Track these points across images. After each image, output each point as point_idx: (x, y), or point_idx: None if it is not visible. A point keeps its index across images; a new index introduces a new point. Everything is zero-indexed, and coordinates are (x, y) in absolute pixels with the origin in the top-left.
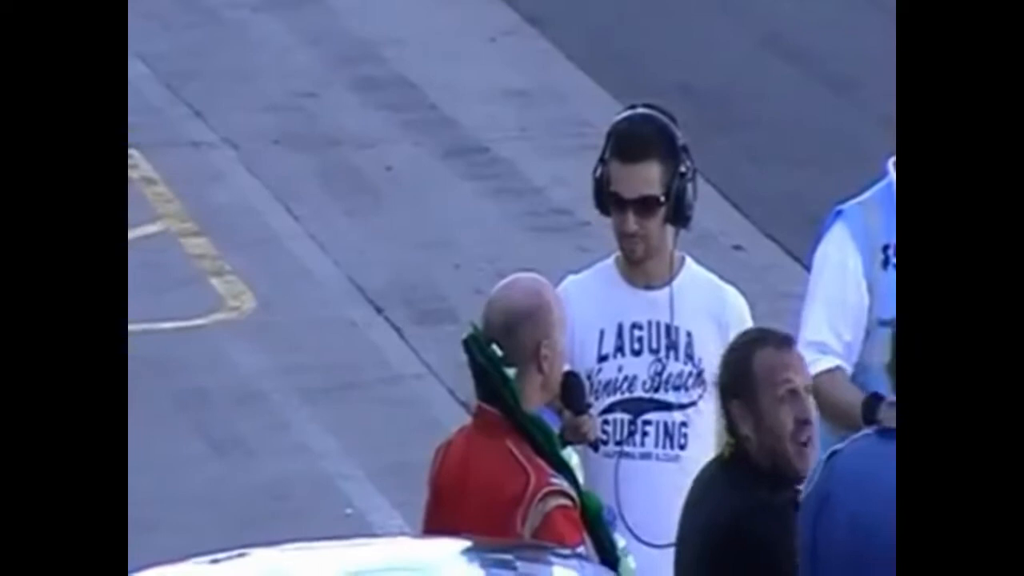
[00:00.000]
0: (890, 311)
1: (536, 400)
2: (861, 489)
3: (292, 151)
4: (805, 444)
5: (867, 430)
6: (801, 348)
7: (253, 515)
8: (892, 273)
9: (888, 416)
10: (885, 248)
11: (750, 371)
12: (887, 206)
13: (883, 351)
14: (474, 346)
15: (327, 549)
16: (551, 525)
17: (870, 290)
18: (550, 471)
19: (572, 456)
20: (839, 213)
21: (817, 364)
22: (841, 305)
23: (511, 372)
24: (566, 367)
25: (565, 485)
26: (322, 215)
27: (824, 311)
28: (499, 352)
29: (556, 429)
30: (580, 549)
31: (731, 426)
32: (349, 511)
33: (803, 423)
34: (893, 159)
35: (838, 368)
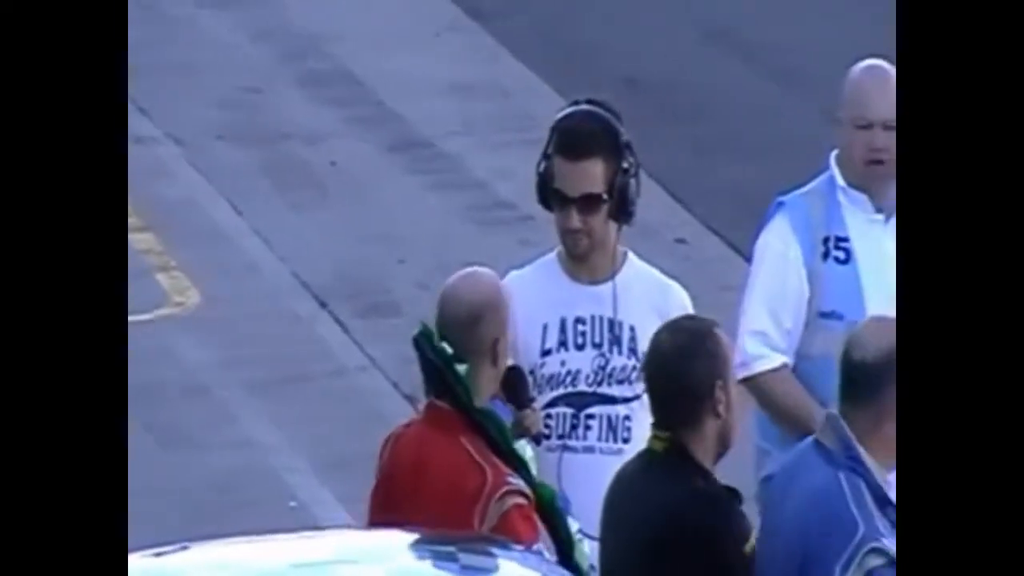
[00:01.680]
0: (830, 303)
1: (487, 393)
2: (777, 499)
3: (237, 146)
4: None
5: (806, 441)
6: (744, 337)
7: (198, 508)
8: (832, 265)
9: (823, 428)
10: (826, 240)
11: (725, 354)
12: (829, 198)
13: (824, 342)
14: (425, 343)
15: (272, 542)
16: (508, 524)
17: (810, 281)
18: (507, 470)
19: (526, 449)
20: (781, 204)
21: (763, 361)
22: (782, 294)
23: (462, 368)
24: (509, 361)
25: (521, 484)
26: (267, 210)
27: (765, 300)
28: (449, 349)
29: (508, 422)
30: (536, 547)
31: (682, 418)
32: (293, 504)
33: None
34: (836, 152)
35: (784, 366)
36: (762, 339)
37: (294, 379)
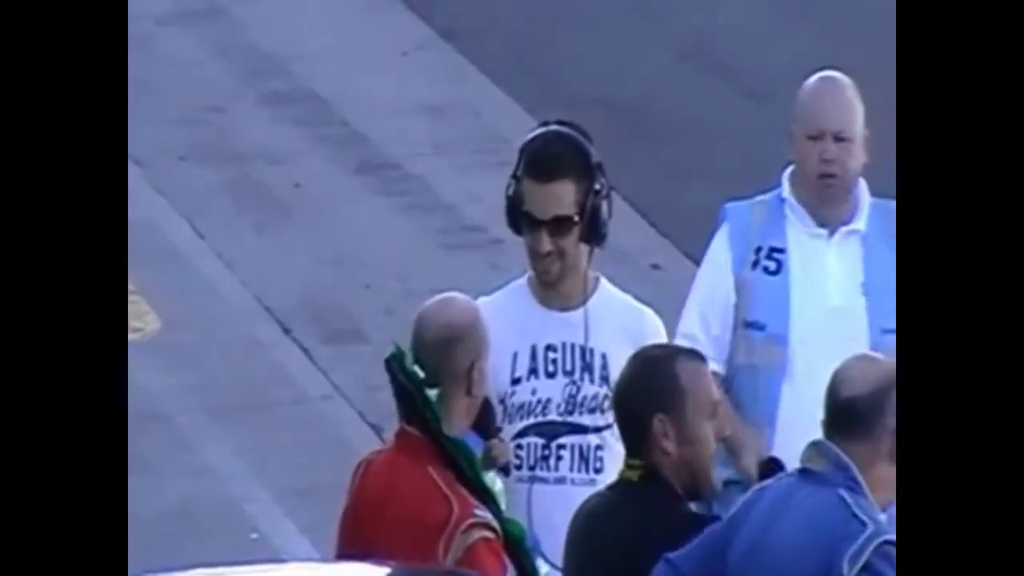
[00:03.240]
0: (754, 313)
1: (460, 423)
2: (760, 526)
3: (198, 167)
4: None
5: (791, 471)
6: (676, 340)
7: (155, 539)
8: (760, 275)
9: (809, 456)
10: (758, 249)
11: (677, 384)
12: (773, 211)
13: (746, 352)
14: (396, 365)
15: (232, 574)
16: (474, 558)
17: (738, 289)
18: (474, 502)
19: (496, 482)
20: (725, 210)
21: None
22: (711, 300)
23: (433, 393)
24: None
25: (488, 517)
26: (229, 233)
27: (698, 305)
28: (421, 373)
29: (479, 452)
30: None
31: (642, 446)
32: (255, 535)
33: (722, 441)
34: (791, 168)
35: (712, 374)
36: (691, 340)
37: (256, 406)
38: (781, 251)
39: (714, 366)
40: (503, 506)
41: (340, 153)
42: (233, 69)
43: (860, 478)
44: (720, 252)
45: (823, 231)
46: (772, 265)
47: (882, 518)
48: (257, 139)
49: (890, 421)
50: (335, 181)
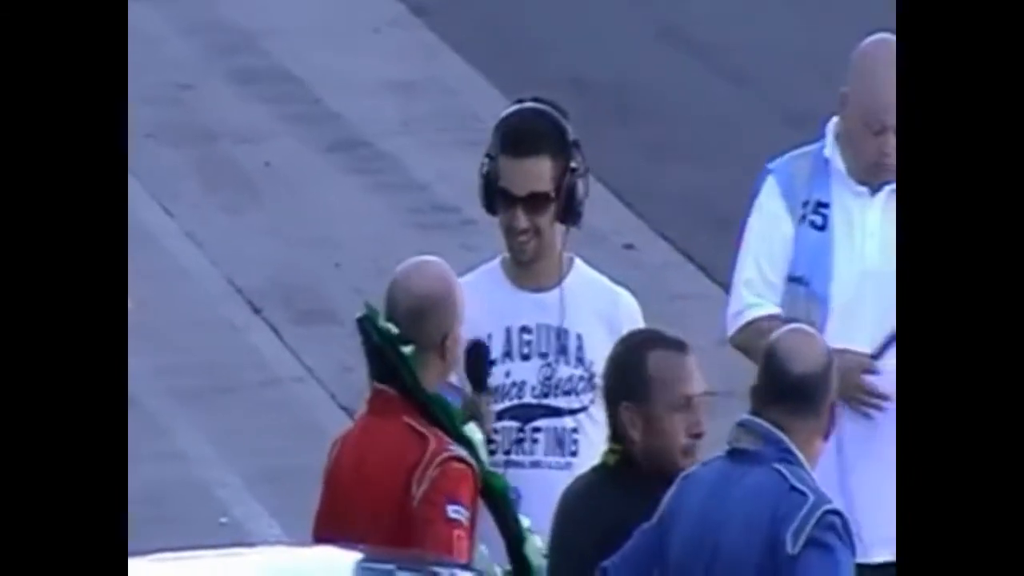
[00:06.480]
0: (799, 268)
1: (433, 384)
2: (699, 513)
3: (167, 145)
4: (693, 457)
5: (719, 452)
6: (739, 287)
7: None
8: (807, 229)
9: (737, 436)
10: (805, 203)
11: (644, 373)
12: (816, 165)
13: (788, 306)
14: (368, 325)
15: (201, 558)
16: (445, 478)
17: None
18: (450, 440)
19: (476, 432)
20: (769, 170)
21: (757, 309)
22: (768, 250)
23: (408, 350)
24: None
25: (465, 454)
26: (199, 212)
27: (754, 253)
28: (395, 329)
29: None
30: (462, 511)
31: (617, 431)
32: (225, 519)
33: (695, 436)
34: (835, 121)
35: (777, 316)
36: (754, 288)
37: (226, 389)
38: (827, 206)
39: (777, 309)
40: (483, 456)
41: (311, 131)
42: (202, 45)
43: (795, 449)
44: (773, 203)
45: (864, 189)
46: (818, 220)
47: (822, 489)
48: (226, 117)
49: (832, 398)
50: (306, 160)
